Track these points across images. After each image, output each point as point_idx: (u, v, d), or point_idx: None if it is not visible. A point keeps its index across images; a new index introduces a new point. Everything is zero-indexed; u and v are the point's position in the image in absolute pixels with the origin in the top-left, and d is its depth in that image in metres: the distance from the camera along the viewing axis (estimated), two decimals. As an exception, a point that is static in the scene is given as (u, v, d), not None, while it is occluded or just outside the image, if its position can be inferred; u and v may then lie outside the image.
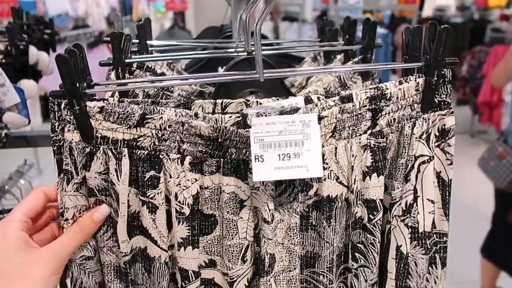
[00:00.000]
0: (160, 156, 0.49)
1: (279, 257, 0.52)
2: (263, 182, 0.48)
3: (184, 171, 0.49)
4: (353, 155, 0.52)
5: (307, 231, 0.53)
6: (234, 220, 0.50)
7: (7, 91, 0.88)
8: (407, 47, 0.54)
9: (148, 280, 0.53)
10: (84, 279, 0.53)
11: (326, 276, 0.54)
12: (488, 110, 3.98)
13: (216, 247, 0.53)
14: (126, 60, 0.61)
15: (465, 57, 4.47)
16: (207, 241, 0.52)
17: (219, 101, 0.54)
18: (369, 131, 0.52)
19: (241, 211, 0.50)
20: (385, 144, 0.53)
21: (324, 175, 0.50)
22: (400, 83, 0.53)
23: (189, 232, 0.50)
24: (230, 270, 0.51)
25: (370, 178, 0.53)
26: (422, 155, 0.54)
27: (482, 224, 2.10)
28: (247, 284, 0.52)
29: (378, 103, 0.51)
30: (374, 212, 0.53)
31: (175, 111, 0.48)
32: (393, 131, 0.54)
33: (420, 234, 0.56)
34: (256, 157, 0.47)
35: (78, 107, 0.46)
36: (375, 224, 0.54)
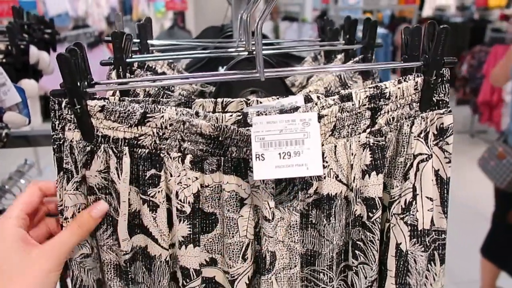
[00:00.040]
0: (161, 154, 0.49)
1: (279, 255, 0.52)
2: (263, 180, 0.48)
3: (184, 169, 0.49)
4: (352, 154, 0.52)
5: (307, 229, 0.53)
6: (235, 219, 0.50)
7: (7, 91, 0.88)
8: (406, 46, 0.54)
9: (149, 278, 0.53)
10: (83, 277, 0.54)
11: (326, 274, 0.54)
12: (488, 110, 3.99)
13: (217, 245, 0.53)
14: (127, 60, 0.61)
15: (465, 57, 4.48)
16: (208, 240, 0.53)
17: (219, 100, 0.54)
18: (368, 130, 0.53)
19: (241, 209, 0.50)
20: (384, 142, 0.53)
21: (324, 174, 0.51)
22: (399, 82, 0.53)
23: (190, 231, 0.51)
24: (231, 268, 0.52)
25: (369, 176, 0.53)
26: (420, 154, 0.54)
27: (482, 224, 2.10)
28: (248, 282, 0.53)
29: (377, 102, 0.52)
30: (373, 210, 0.54)
31: (176, 110, 0.48)
32: (392, 129, 0.54)
33: (419, 232, 0.56)
34: (257, 155, 0.47)
35: (79, 106, 0.46)
36: (374, 222, 0.54)
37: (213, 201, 0.51)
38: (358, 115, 0.51)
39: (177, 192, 0.49)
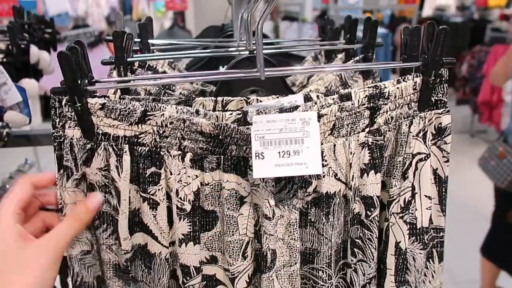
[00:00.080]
0: (161, 152, 0.49)
1: (280, 252, 0.52)
2: (263, 179, 0.49)
3: (185, 167, 0.49)
4: (351, 153, 0.52)
5: (306, 227, 0.54)
6: (235, 217, 0.51)
7: (8, 90, 0.88)
8: (406, 46, 0.55)
9: (148, 276, 0.54)
10: (84, 274, 0.54)
11: (325, 272, 0.54)
12: (488, 109, 3.99)
13: (217, 243, 0.53)
14: (128, 59, 0.62)
15: (465, 57, 4.48)
16: (208, 237, 0.53)
17: (219, 98, 0.55)
18: (367, 129, 0.53)
19: (241, 207, 0.51)
20: (382, 142, 0.54)
21: (323, 172, 0.51)
22: (398, 82, 0.53)
23: (190, 228, 0.51)
24: (231, 266, 0.52)
25: (367, 175, 0.53)
26: (419, 153, 0.55)
27: (482, 224, 2.11)
28: (248, 280, 0.53)
29: (377, 101, 0.52)
30: (372, 209, 0.54)
31: (176, 108, 0.48)
32: (390, 129, 0.54)
33: (418, 230, 0.56)
34: (257, 154, 0.47)
35: (79, 104, 0.47)
36: (372, 220, 0.54)
37: (213, 199, 0.51)
38: (357, 114, 0.52)
39: (177, 190, 0.50)
